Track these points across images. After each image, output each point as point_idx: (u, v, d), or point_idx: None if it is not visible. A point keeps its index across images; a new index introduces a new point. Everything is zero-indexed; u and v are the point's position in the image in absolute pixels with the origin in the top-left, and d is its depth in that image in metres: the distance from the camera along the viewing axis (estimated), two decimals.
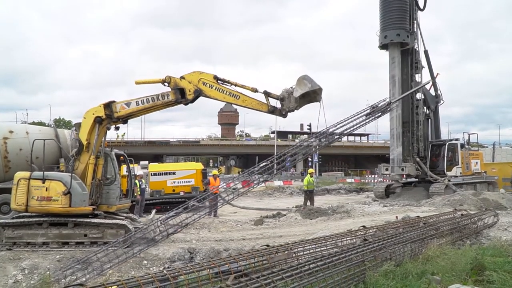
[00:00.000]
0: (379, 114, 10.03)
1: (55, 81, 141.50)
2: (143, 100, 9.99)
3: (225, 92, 9.74)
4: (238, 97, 9.74)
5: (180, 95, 9.80)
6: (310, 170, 21.06)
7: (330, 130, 9.65)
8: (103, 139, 10.57)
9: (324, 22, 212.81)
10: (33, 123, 49.90)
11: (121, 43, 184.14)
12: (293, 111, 9.71)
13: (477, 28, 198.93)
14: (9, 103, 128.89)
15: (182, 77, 9.83)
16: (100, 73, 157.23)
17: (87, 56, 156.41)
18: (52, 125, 54.55)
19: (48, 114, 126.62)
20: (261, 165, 9.77)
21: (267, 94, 9.70)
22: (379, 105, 9.94)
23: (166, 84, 9.88)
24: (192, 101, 9.88)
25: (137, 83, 10.22)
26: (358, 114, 9.88)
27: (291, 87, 9.52)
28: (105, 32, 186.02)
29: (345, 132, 9.79)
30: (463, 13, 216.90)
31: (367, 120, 9.92)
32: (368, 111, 9.93)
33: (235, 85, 9.76)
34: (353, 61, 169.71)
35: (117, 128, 10.75)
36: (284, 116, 9.79)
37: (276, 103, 9.85)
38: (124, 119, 10.47)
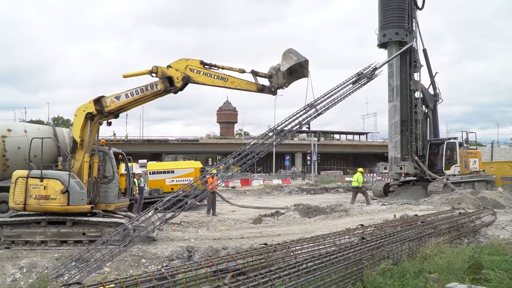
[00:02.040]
0: (365, 81, 9.91)
1: (56, 80, 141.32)
2: (132, 92, 9.97)
3: (213, 76, 9.73)
4: (226, 79, 9.71)
5: (169, 83, 9.79)
6: (360, 169, 21.48)
7: (318, 101, 9.43)
8: (96, 136, 10.58)
9: (327, 21, 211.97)
10: (32, 122, 49.84)
11: (123, 42, 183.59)
12: (282, 87, 9.63)
13: (477, 28, 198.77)
14: (10, 101, 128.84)
15: (169, 66, 9.82)
16: (102, 71, 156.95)
17: (88, 54, 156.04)
18: (51, 124, 54.46)
19: (50, 112, 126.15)
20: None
21: (254, 74, 9.65)
22: (365, 72, 9.86)
23: (153, 74, 9.87)
24: (181, 88, 9.88)
25: (124, 76, 10.16)
26: (344, 83, 9.76)
27: (278, 64, 9.48)
28: (107, 31, 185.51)
29: (334, 102, 9.54)
30: (464, 13, 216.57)
31: (354, 88, 9.79)
32: (355, 78, 9.83)
33: (222, 68, 9.75)
34: (354, 59, 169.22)
35: (109, 124, 10.71)
36: (274, 93, 9.70)
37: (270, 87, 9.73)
38: (116, 113, 10.45)
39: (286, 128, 9.44)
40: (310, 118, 9.36)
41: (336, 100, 9.66)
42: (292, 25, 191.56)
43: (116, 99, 10.07)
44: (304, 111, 9.35)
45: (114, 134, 63.19)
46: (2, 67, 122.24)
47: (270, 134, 9.63)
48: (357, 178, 19.81)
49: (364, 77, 9.81)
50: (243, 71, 9.65)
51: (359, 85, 9.88)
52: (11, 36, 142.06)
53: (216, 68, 9.79)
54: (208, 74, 9.74)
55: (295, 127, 9.43)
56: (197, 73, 9.74)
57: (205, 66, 9.77)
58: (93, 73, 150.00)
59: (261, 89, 9.66)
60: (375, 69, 9.90)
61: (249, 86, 9.72)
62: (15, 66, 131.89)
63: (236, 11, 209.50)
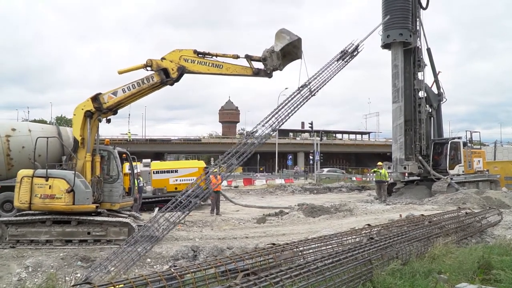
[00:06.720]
0: (348, 58, 10.13)
1: (66, 79, 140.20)
2: (129, 86, 9.98)
3: (208, 64, 9.76)
4: (221, 66, 9.74)
5: (165, 75, 9.80)
6: (379, 163, 22.01)
7: (311, 83, 9.56)
8: (96, 134, 10.58)
9: (337, 22, 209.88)
10: (35, 121, 49.87)
11: (134, 42, 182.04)
12: (277, 69, 9.65)
13: (484, 28, 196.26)
14: (18, 101, 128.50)
15: (163, 58, 9.83)
16: (112, 71, 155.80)
17: (99, 54, 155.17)
18: (54, 123, 54.56)
19: (56, 112, 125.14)
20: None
21: (249, 58, 9.68)
22: (348, 50, 10.10)
23: (148, 68, 9.88)
24: (177, 79, 9.90)
25: (120, 72, 10.12)
26: (329, 63, 9.94)
27: (272, 46, 9.48)
28: (118, 31, 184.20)
29: (325, 81, 9.74)
30: (470, 12, 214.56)
31: (341, 66, 10.02)
32: (339, 56, 10.03)
33: (216, 55, 9.79)
34: (364, 60, 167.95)
35: (108, 121, 10.73)
36: (270, 75, 9.71)
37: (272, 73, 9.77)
38: (114, 110, 10.45)
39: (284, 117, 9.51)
40: (304, 98, 9.47)
41: (327, 79, 9.81)
42: (303, 26, 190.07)
43: (113, 95, 10.08)
44: (297, 91, 9.45)
45: (124, 132, 63.47)
46: (11, 67, 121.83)
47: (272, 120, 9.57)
48: (380, 172, 20.53)
49: (348, 55, 9.97)
50: (237, 57, 9.71)
51: (345, 62, 10.05)
52: (21, 35, 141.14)
53: (210, 56, 9.82)
54: (203, 63, 9.78)
55: (297, 108, 9.49)
56: (191, 62, 9.76)
57: (199, 55, 9.80)
58: (103, 73, 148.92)
59: (257, 72, 9.69)
60: (357, 46, 10.07)
61: (244, 70, 9.76)
62: (24, 66, 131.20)
63: (248, 11, 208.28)
